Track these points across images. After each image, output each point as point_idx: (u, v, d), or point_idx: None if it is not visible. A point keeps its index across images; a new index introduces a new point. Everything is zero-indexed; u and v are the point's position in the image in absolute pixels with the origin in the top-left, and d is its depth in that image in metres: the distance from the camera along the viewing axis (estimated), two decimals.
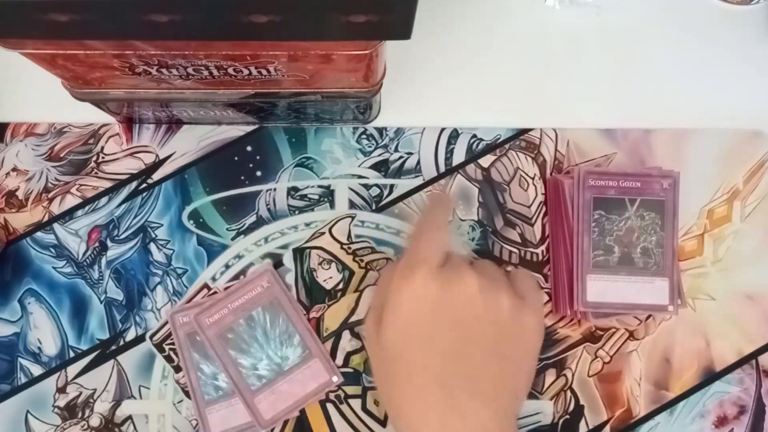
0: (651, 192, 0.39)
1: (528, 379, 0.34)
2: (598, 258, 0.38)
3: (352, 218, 0.42)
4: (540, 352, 0.34)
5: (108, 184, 0.42)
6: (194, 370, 0.38)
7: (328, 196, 0.42)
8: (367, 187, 0.42)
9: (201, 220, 0.41)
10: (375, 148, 0.42)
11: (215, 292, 0.40)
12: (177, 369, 0.40)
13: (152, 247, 0.41)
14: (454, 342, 0.32)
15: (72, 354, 0.40)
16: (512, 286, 0.34)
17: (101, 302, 0.40)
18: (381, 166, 0.42)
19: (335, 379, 0.39)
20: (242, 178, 0.42)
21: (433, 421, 0.31)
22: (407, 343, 0.32)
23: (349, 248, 0.41)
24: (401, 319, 0.32)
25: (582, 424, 0.40)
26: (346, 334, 0.40)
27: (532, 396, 0.40)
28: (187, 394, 0.39)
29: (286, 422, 0.39)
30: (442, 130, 0.43)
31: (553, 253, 0.41)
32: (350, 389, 0.40)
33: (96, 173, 0.42)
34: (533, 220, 0.42)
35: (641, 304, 0.38)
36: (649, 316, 0.41)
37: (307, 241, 0.41)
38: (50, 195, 0.41)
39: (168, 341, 0.40)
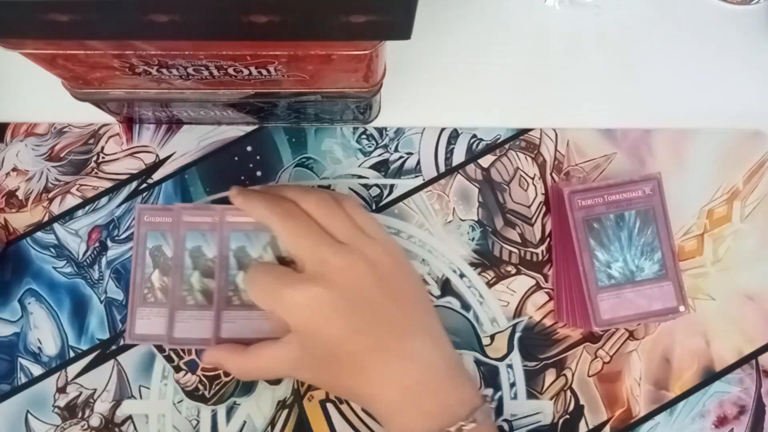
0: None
1: (423, 295, 0.36)
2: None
3: None
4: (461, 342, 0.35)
5: (108, 184, 0.42)
6: (589, 255, 0.38)
7: None
8: (367, 187, 0.42)
9: None
10: (375, 148, 0.42)
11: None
12: (177, 369, 0.40)
13: None
14: (353, 316, 0.33)
15: (72, 354, 0.40)
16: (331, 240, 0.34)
17: (101, 302, 0.40)
18: (381, 166, 0.42)
19: (682, 308, 0.38)
20: (242, 178, 0.42)
21: (386, 376, 0.32)
22: (326, 341, 0.33)
23: None
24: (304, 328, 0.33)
25: (582, 424, 0.40)
26: None
27: (531, 396, 0.40)
28: (187, 394, 0.39)
29: (286, 421, 0.39)
30: (442, 130, 0.43)
31: (557, 257, 0.41)
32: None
33: (96, 173, 0.42)
34: (533, 220, 0.42)
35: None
36: None
37: None
38: (50, 195, 0.41)
39: None
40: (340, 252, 0.33)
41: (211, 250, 0.38)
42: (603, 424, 0.40)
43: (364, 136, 0.43)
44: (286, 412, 0.40)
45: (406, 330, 0.33)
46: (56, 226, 0.41)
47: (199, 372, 0.40)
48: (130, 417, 0.39)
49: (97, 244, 0.41)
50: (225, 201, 0.41)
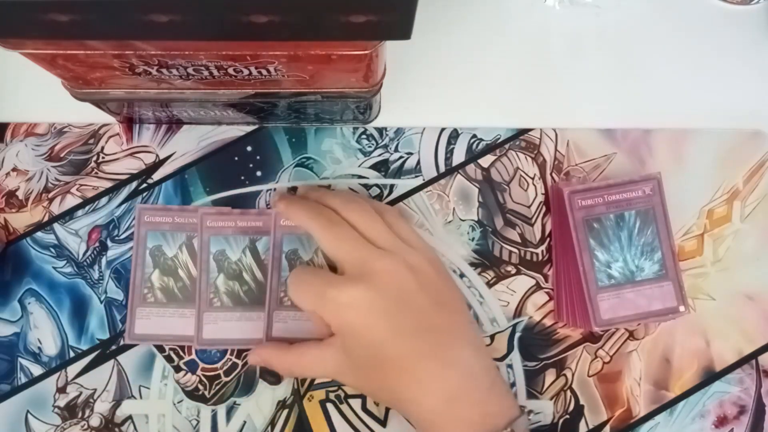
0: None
1: (463, 304, 0.36)
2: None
3: None
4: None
5: (108, 184, 0.42)
6: (589, 255, 0.38)
7: None
8: (367, 187, 0.42)
9: None
10: (375, 148, 0.42)
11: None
12: (177, 369, 0.40)
13: None
14: (395, 318, 0.33)
15: (72, 354, 0.40)
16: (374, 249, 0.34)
17: (101, 302, 0.40)
18: (381, 166, 0.42)
19: (682, 308, 0.38)
20: (242, 178, 0.42)
21: (431, 384, 0.32)
22: (368, 344, 0.33)
23: None
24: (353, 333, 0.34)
25: (582, 424, 0.40)
26: None
27: (532, 396, 0.40)
28: (187, 394, 0.39)
29: (286, 421, 0.39)
30: (442, 130, 0.43)
31: (557, 257, 0.41)
32: (350, 389, 0.40)
33: (96, 173, 0.42)
34: (533, 220, 0.42)
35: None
36: None
37: None
38: (50, 195, 0.41)
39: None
40: (382, 256, 0.33)
41: (234, 254, 0.39)
42: (603, 424, 0.40)
43: (364, 136, 0.43)
44: (286, 412, 0.40)
45: (447, 337, 0.33)
46: (56, 226, 0.41)
47: (199, 372, 0.40)
48: (130, 417, 0.39)
49: (97, 244, 0.41)
50: (225, 202, 0.41)
